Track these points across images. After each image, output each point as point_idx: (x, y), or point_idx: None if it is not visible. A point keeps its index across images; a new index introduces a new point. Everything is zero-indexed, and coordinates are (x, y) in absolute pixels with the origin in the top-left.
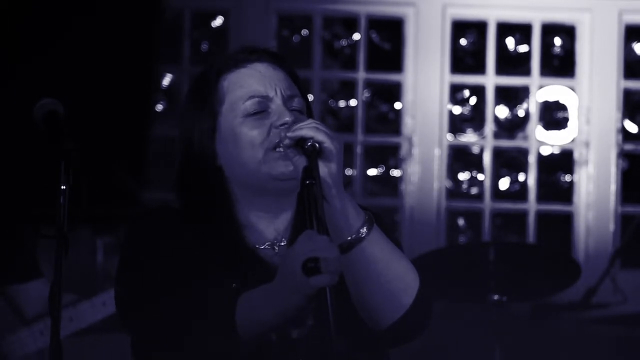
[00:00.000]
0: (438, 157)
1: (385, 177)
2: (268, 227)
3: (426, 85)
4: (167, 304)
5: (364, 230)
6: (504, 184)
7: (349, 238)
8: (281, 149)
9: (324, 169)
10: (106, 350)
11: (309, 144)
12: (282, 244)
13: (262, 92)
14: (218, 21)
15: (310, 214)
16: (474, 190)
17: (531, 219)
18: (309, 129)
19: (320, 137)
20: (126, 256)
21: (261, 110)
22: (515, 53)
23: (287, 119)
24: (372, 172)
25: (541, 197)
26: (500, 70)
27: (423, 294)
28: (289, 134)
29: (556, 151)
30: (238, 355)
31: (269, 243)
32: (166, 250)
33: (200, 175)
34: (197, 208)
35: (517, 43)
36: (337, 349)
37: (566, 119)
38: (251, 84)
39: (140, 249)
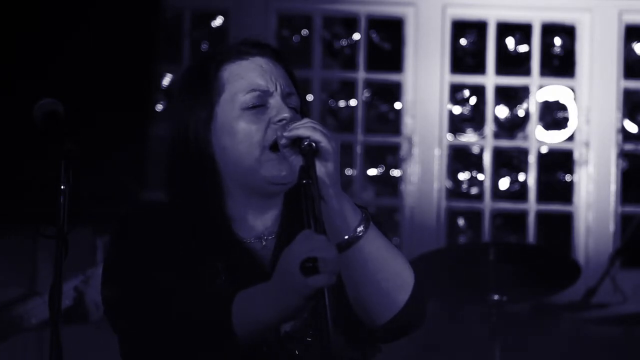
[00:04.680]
0: (438, 157)
1: (385, 177)
2: (256, 221)
3: (426, 85)
4: (159, 306)
5: (362, 229)
6: (504, 184)
7: (347, 237)
8: (279, 152)
9: (321, 169)
10: (105, 349)
11: (306, 143)
12: (271, 237)
13: (263, 86)
14: (218, 21)
15: (307, 214)
16: (474, 190)
17: (531, 219)
18: (305, 129)
19: (317, 136)
20: (112, 258)
21: (260, 105)
22: (515, 53)
23: (286, 114)
24: (372, 172)
25: (541, 197)
26: (500, 70)
27: (418, 290)
28: (285, 134)
29: (556, 151)
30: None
31: (256, 236)
32: (154, 249)
33: (192, 164)
34: (187, 199)
35: (517, 43)
36: (334, 346)
37: (566, 119)
38: (253, 77)
39: (127, 250)
